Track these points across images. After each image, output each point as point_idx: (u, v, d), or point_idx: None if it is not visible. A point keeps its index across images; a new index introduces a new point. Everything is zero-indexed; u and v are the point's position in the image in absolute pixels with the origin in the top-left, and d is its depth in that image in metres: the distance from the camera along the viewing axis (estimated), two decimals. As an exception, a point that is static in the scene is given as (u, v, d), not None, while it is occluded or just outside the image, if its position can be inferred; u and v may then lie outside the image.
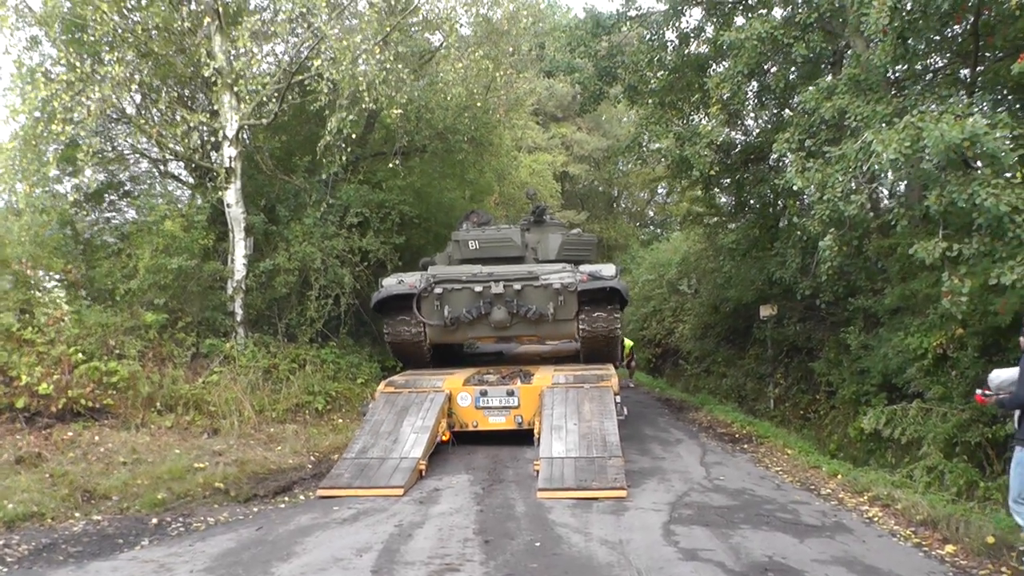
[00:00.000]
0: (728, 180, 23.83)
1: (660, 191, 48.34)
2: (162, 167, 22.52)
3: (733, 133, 24.32)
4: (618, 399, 15.12)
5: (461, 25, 22.50)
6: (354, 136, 19.70)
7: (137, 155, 21.57)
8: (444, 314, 17.39)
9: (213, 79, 17.65)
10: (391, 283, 17.64)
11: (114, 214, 21.51)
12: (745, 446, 16.77)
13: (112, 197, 22.01)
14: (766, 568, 8.67)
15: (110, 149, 21.37)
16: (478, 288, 17.25)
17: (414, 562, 8.86)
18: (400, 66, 19.14)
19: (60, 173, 19.27)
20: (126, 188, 22.47)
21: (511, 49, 23.87)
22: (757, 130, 23.29)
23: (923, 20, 13.75)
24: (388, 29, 19.19)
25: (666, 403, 23.93)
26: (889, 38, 14.03)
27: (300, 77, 18.79)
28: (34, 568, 8.78)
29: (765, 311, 23.38)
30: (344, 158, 19.85)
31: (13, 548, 9.33)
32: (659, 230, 50.67)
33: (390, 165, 22.04)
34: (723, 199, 25.29)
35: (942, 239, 12.52)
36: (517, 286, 17.22)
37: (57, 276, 17.71)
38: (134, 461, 12.73)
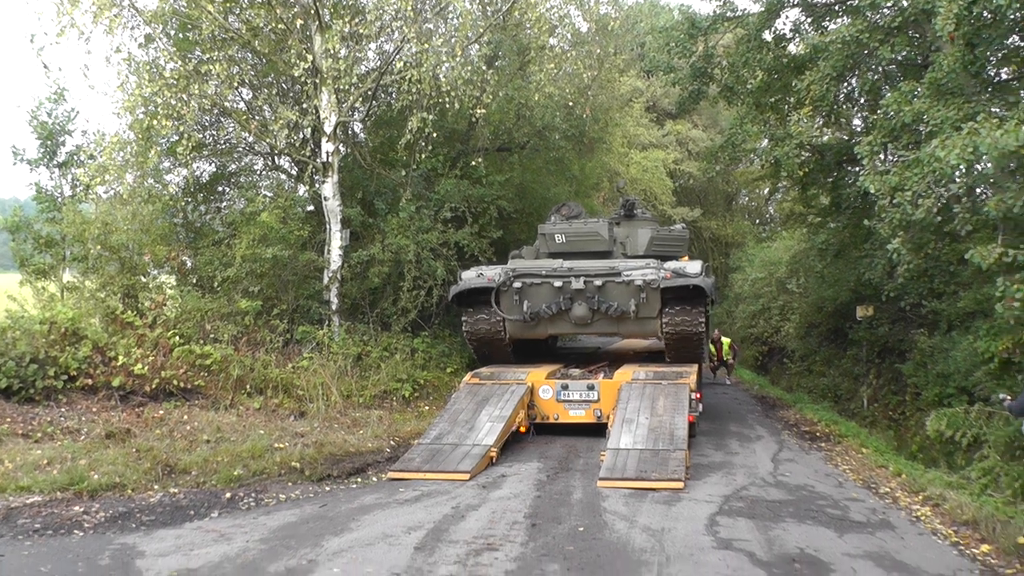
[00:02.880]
0: (828, 180, 23.61)
1: (781, 187, 47.88)
2: (269, 160, 23.32)
3: (827, 134, 24.15)
4: (694, 395, 15.26)
5: (558, 27, 22.90)
6: (437, 133, 20.05)
7: (245, 148, 22.37)
8: (524, 309, 17.30)
9: (303, 79, 18.22)
10: (470, 276, 17.55)
11: (224, 204, 22.39)
12: (823, 444, 16.71)
13: (223, 188, 22.97)
14: (794, 559, 8.85)
15: (222, 142, 22.26)
16: (558, 283, 17.10)
17: (458, 541, 9.27)
18: (484, 67, 19.55)
19: (171, 165, 20.18)
20: (239, 179, 23.42)
21: (612, 50, 24.16)
22: (848, 133, 23.10)
23: (993, 27, 13.62)
24: (481, 31, 19.63)
25: (761, 401, 23.85)
26: (957, 45, 13.93)
27: (387, 80, 19.32)
28: (107, 534, 9.42)
29: (861, 312, 23.19)
30: (423, 156, 20.30)
31: (92, 515, 10.02)
32: (779, 228, 50.18)
33: (472, 163, 22.37)
34: (823, 199, 24.99)
35: (1000, 244, 12.43)
36: (598, 282, 16.93)
37: (162, 263, 18.54)
38: (217, 439, 13.42)
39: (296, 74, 17.90)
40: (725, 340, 27.75)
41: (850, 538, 9.80)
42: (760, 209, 56.50)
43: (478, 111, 20.11)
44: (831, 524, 10.42)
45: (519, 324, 17.57)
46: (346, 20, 18.07)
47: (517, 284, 17.29)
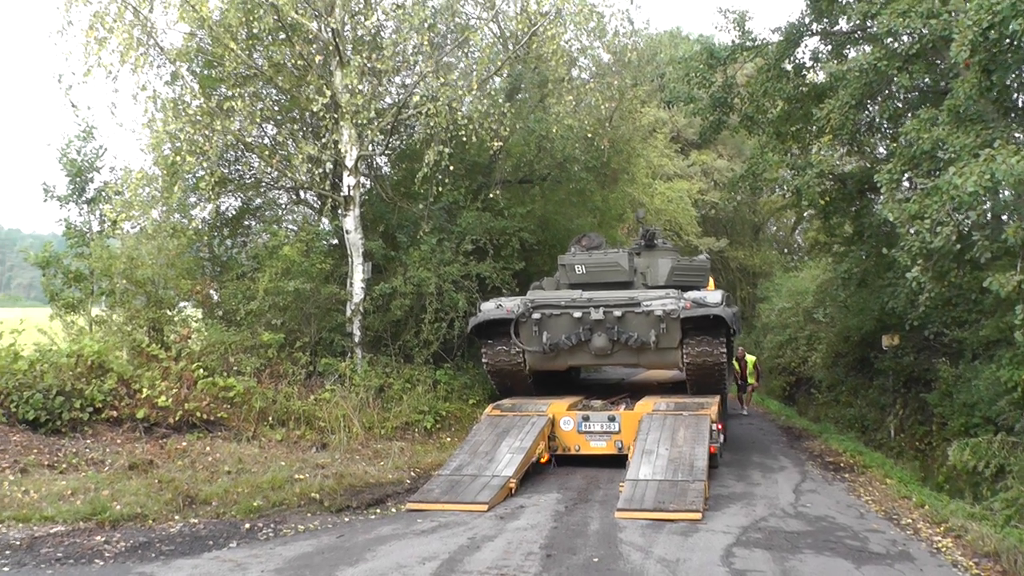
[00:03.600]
0: (851, 208, 23.60)
1: (806, 216, 47.74)
2: (293, 194, 23.60)
3: (849, 163, 24.17)
4: (715, 427, 15.28)
5: (579, 59, 23.14)
6: (458, 166, 20.27)
7: (270, 183, 22.65)
8: (543, 340, 17.16)
9: (322, 113, 18.46)
10: (489, 307, 17.45)
11: (249, 238, 22.68)
12: (846, 475, 16.63)
13: (249, 222, 23.27)
14: (808, 591, 8.89)
15: (247, 177, 22.56)
16: (577, 314, 17.00)
17: (471, 571, 9.37)
18: (502, 99, 19.76)
19: (196, 200, 20.50)
20: (266, 213, 23.73)
21: (629, 82, 24.34)
22: (870, 161, 23.08)
23: (1011, 53, 13.66)
24: (499, 64, 19.86)
25: (786, 431, 23.73)
26: (973, 71, 13.98)
27: (406, 114, 19.58)
28: (127, 563, 9.60)
29: (887, 341, 23.15)
30: (443, 189, 20.49)
31: (112, 544, 10.20)
32: (804, 257, 49.98)
33: (491, 195, 22.52)
34: (847, 228, 24.96)
35: (1019, 271, 12.44)
36: (617, 312, 16.83)
37: (188, 296, 18.82)
38: (238, 470, 13.57)
39: (315, 109, 18.16)
40: (750, 358, 27.31)
41: (868, 570, 9.83)
42: (787, 239, 56.34)
43: (495, 144, 20.26)
44: (849, 555, 10.42)
45: (539, 356, 17.46)
46: (364, 56, 18.36)
47: (536, 315, 17.20)
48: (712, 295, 16.78)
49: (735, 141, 43.34)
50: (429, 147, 18.93)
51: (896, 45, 17.78)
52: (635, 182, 31.97)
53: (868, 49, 19.43)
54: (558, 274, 19.18)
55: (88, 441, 13.80)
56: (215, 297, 19.66)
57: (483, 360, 18.04)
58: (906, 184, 18.03)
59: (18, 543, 10.00)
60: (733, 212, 49.00)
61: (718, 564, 9.77)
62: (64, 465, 12.79)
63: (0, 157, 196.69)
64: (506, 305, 17.36)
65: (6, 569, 9.16)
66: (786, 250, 55.69)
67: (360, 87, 18.28)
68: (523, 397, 17.83)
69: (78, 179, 19.33)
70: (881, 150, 23.19)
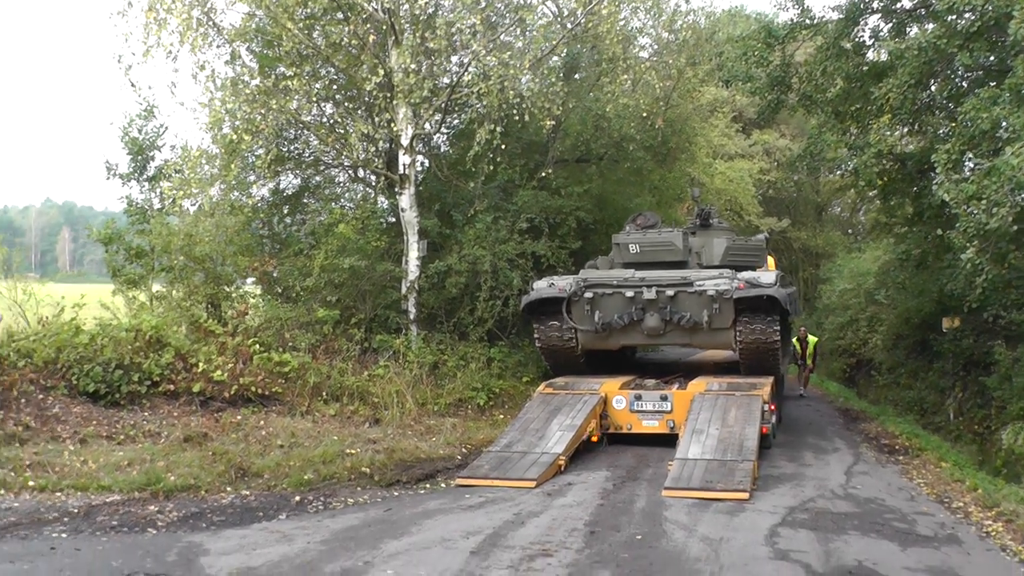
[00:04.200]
0: (912, 189, 23.27)
1: (867, 197, 47.09)
2: (351, 173, 23.81)
3: (909, 143, 23.83)
4: (767, 407, 15.24)
5: (638, 37, 23.05)
6: (515, 145, 20.30)
7: (328, 161, 22.85)
8: (595, 319, 17.13)
9: (376, 92, 18.57)
10: (541, 286, 17.45)
11: (307, 216, 22.94)
12: (900, 458, 16.45)
13: (308, 200, 23.55)
14: (850, 572, 8.87)
15: (306, 155, 22.79)
16: (629, 293, 16.90)
17: (514, 546, 9.46)
18: (555, 79, 19.75)
19: (256, 178, 20.77)
20: (324, 191, 23.99)
21: (683, 61, 24.18)
22: (930, 141, 22.69)
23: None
24: (554, 42, 19.86)
25: (844, 413, 23.51)
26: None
27: (458, 94, 19.67)
28: (178, 532, 9.81)
29: (947, 324, 22.80)
30: (497, 167, 20.51)
31: (165, 514, 10.44)
32: (865, 238, 49.36)
33: (543, 174, 22.52)
34: (907, 208, 24.59)
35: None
36: (670, 292, 16.67)
37: (246, 273, 19.13)
38: (291, 444, 13.80)
39: (368, 88, 18.29)
40: (812, 339, 26.81)
41: (913, 552, 9.75)
42: (850, 219, 55.70)
43: (547, 122, 20.26)
44: (895, 538, 10.35)
45: (590, 335, 17.41)
46: (417, 35, 18.46)
47: (588, 294, 17.11)
48: (766, 275, 16.64)
49: (797, 120, 42.75)
50: (481, 126, 19.00)
51: (958, 22, 17.50)
52: (695, 161, 31.72)
53: (930, 27, 19.14)
54: (612, 253, 18.98)
55: (145, 414, 14.12)
56: (274, 274, 19.93)
57: (535, 338, 18.02)
58: (969, 165, 17.73)
59: (76, 511, 10.29)
60: (796, 192, 48.58)
61: (761, 544, 9.77)
62: (122, 436, 13.11)
63: (70, 136, 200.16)
64: (558, 284, 17.29)
65: (64, 535, 9.42)
66: (849, 231, 55.05)
67: (413, 66, 18.36)
68: (576, 376, 17.75)
69: (139, 157, 19.75)
70: (942, 130, 22.85)
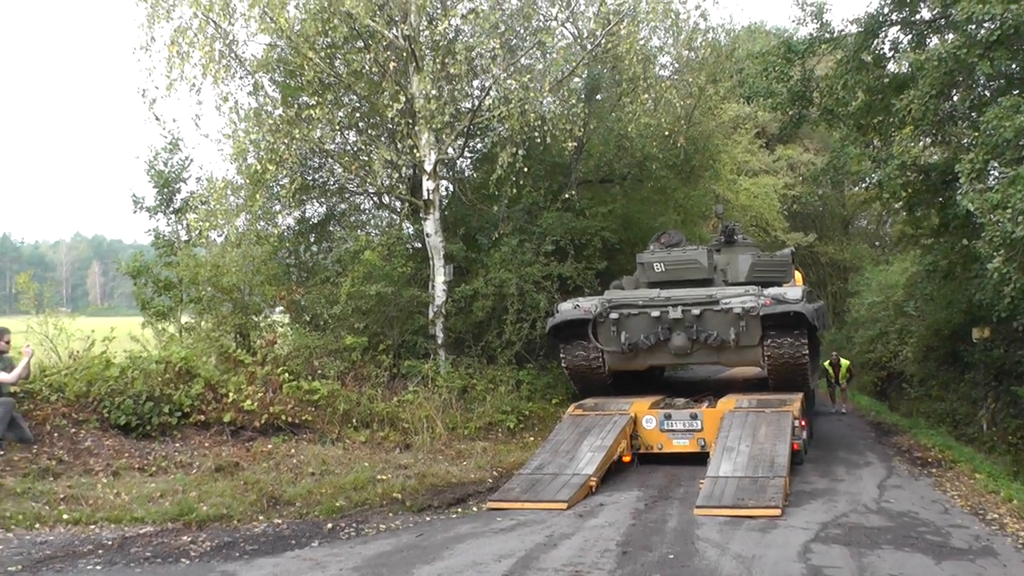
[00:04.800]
0: (937, 200, 23.13)
1: (892, 209, 46.81)
2: (376, 200, 23.91)
3: (933, 154, 23.69)
4: (798, 423, 15.15)
5: (659, 56, 23.10)
6: (538, 167, 20.35)
7: (353, 189, 22.96)
8: (621, 340, 17.05)
9: (397, 118, 18.66)
10: (567, 308, 17.38)
11: (333, 244, 23.04)
12: (934, 470, 16.32)
13: (334, 227, 23.68)
14: (885, 586, 8.82)
15: (330, 183, 22.91)
16: (655, 313, 16.85)
17: (546, 568, 9.45)
18: (575, 100, 19.81)
19: (281, 207, 20.91)
20: (350, 219, 24.11)
21: (703, 79, 24.21)
22: (953, 151, 22.56)
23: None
24: (574, 64, 19.93)
25: (876, 427, 23.39)
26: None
27: (480, 118, 19.76)
28: (211, 562, 9.86)
29: (977, 334, 22.62)
30: (521, 190, 20.57)
31: (198, 544, 10.50)
32: (893, 250, 49.13)
33: (566, 196, 22.55)
34: (933, 219, 24.43)
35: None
36: (696, 311, 16.66)
37: (274, 302, 19.25)
38: (322, 472, 13.85)
39: (390, 115, 18.39)
40: (844, 362, 26.90)
41: (947, 565, 9.67)
42: (877, 231, 55.43)
43: (569, 144, 20.31)
44: (929, 551, 10.27)
45: (617, 356, 17.34)
46: (437, 60, 18.57)
47: (614, 315, 17.07)
48: (792, 291, 16.52)
49: (820, 134, 42.64)
50: (504, 149, 19.07)
51: (978, 32, 17.42)
52: (719, 178, 31.73)
53: (950, 37, 19.07)
54: (637, 273, 19.01)
55: (177, 444, 14.23)
56: (302, 302, 20.02)
57: (562, 361, 17.96)
58: (994, 174, 17.60)
59: (110, 543, 10.36)
60: (821, 206, 48.42)
61: (794, 560, 9.72)
62: (154, 468, 13.24)
63: (98, 171, 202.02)
64: (583, 305, 17.27)
65: (99, 567, 9.49)
66: (876, 243, 54.77)
67: (434, 92, 18.46)
68: (605, 396, 17.70)
69: (165, 190, 19.91)
70: (965, 140, 22.72)
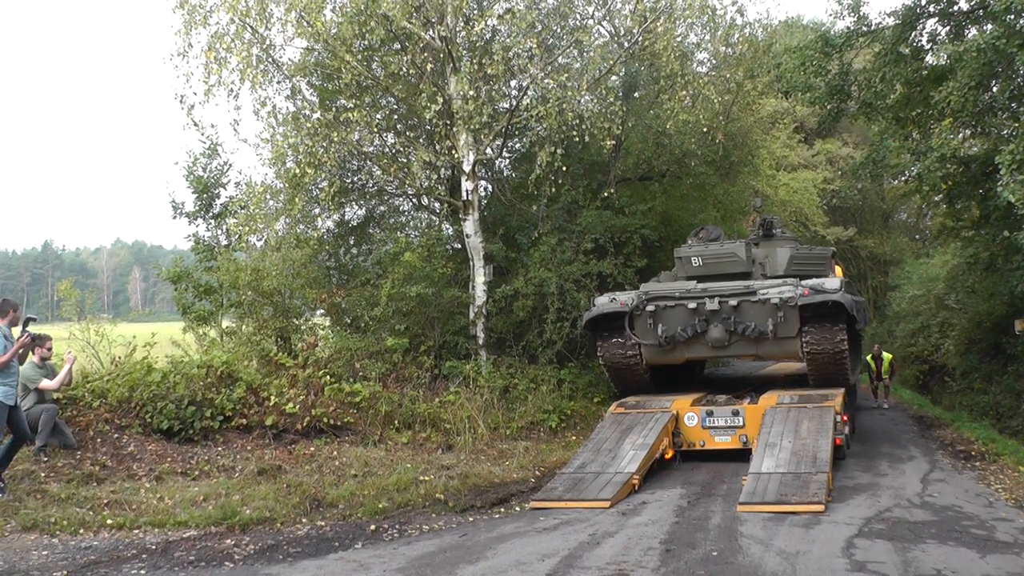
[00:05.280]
0: (978, 192, 22.93)
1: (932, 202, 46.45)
2: (415, 201, 23.96)
3: (973, 146, 23.49)
4: (840, 418, 15.03)
5: (696, 52, 23.01)
6: (577, 165, 20.34)
7: (392, 191, 23.02)
8: (658, 333, 16.89)
9: (435, 120, 18.69)
10: (603, 301, 17.23)
11: (373, 246, 23.12)
12: (977, 464, 16.14)
13: (373, 230, 23.76)
14: (928, 581, 8.74)
15: (370, 186, 22.97)
16: (692, 305, 16.68)
17: (590, 567, 9.41)
18: (613, 98, 19.77)
19: (321, 210, 21.00)
20: (389, 221, 24.18)
21: (741, 75, 24.11)
22: (993, 143, 22.36)
23: None
24: (612, 62, 19.89)
25: (918, 421, 23.19)
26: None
27: (518, 118, 19.77)
28: (255, 565, 9.89)
29: (1019, 326, 22.43)
30: (560, 189, 20.57)
31: (242, 547, 10.53)
32: (934, 243, 48.75)
33: (606, 194, 22.50)
34: (974, 211, 24.22)
35: None
36: (733, 302, 16.44)
37: (315, 305, 19.34)
38: (364, 474, 13.88)
39: (428, 116, 18.43)
40: (887, 355, 26.66)
41: (992, 559, 9.56)
42: (917, 224, 55.02)
43: (608, 142, 20.28)
44: (974, 545, 10.17)
45: (654, 349, 17.18)
46: (474, 61, 18.60)
47: (650, 307, 16.91)
48: (831, 281, 16.23)
49: (859, 128, 42.41)
50: (542, 148, 19.06)
51: (1017, 22, 17.24)
52: (758, 174, 31.55)
53: (988, 28, 18.89)
54: (676, 268, 18.77)
55: (219, 448, 14.31)
56: (342, 304, 20.11)
57: (598, 355, 17.83)
58: (1004, 169, 17.38)
59: (153, 547, 10.42)
60: (861, 200, 48.13)
61: (838, 556, 9.64)
62: (196, 472, 13.30)
63: (138, 177, 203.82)
64: (620, 298, 17.11)
65: (143, 572, 9.54)
66: (916, 236, 54.39)
67: (472, 92, 18.48)
68: (647, 395, 17.58)
69: (205, 195, 20.05)
70: (1005, 131, 22.52)
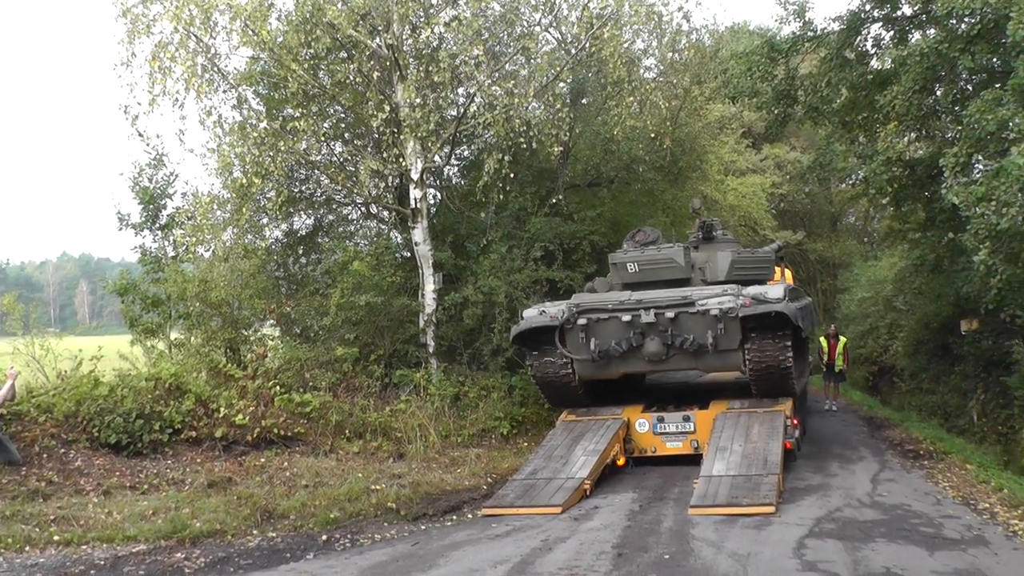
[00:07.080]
0: (924, 194, 23.19)
1: (879, 205, 46.97)
2: (363, 210, 23.88)
3: (918, 149, 23.76)
4: (790, 422, 15.16)
5: (642, 59, 23.15)
6: (526, 172, 20.37)
7: (341, 200, 22.93)
8: (591, 347, 15.82)
9: (383, 128, 18.66)
10: (531, 314, 16.22)
11: (322, 255, 23.00)
12: (926, 463, 16.35)
13: (322, 239, 23.66)
14: (878, 579, 8.84)
15: (317, 195, 22.85)
16: (626, 317, 15.57)
17: (542, 573, 9.49)
18: (560, 105, 19.83)
19: (268, 220, 20.89)
20: (338, 230, 24.07)
21: (687, 81, 24.29)
22: (937, 146, 22.64)
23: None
24: (558, 69, 19.96)
25: (868, 422, 23.36)
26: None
27: (465, 125, 19.78)
28: (205, 578, 9.82)
29: (965, 326, 22.76)
30: (507, 196, 20.60)
31: (193, 561, 10.48)
32: (881, 246, 49.24)
33: (554, 200, 22.55)
34: (920, 213, 24.48)
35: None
36: (670, 314, 15.31)
37: (264, 316, 19.22)
38: (315, 484, 13.81)
39: (375, 125, 18.37)
40: (842, 339, 25.23)
41: (941, 556, 9.76)
42: (865, 227, 55.60)
43: (556, 149, 20.33)
44: (922, 542, 10.37)
45: (588, 364, 16.15)
46: (421, 69, 18.59)
47: (582, 320, 15.86)
48: (774, 289, 15.31)
49: (807, 132, 42.70)
50: (490, 156, 19.08)
51: (959, 27, 17.49)
52: (706, 179, 31.75)
53: (931, 32, 19.14)
54: (611, 275, 17.98)
55: (168, 462, 14.19)
56: (292, 314, 19.98)
57: (530, 372, 17.12)
58: (978, 167, 17.64)
59: (102, 563, 10.33)
60: (809, 204, 48.53)
61: (789, 556, 9.77)
62: (145, 486, 13.20)
63: (83, 189, 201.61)
64: (549, 311, 16.08)
65: (92, 588, 9.45)
66: (865, 239, 54.94)
67: (419, 100, 18.47)
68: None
69: (151, 206, 19.87)
70: (949, 134, 22.82)
